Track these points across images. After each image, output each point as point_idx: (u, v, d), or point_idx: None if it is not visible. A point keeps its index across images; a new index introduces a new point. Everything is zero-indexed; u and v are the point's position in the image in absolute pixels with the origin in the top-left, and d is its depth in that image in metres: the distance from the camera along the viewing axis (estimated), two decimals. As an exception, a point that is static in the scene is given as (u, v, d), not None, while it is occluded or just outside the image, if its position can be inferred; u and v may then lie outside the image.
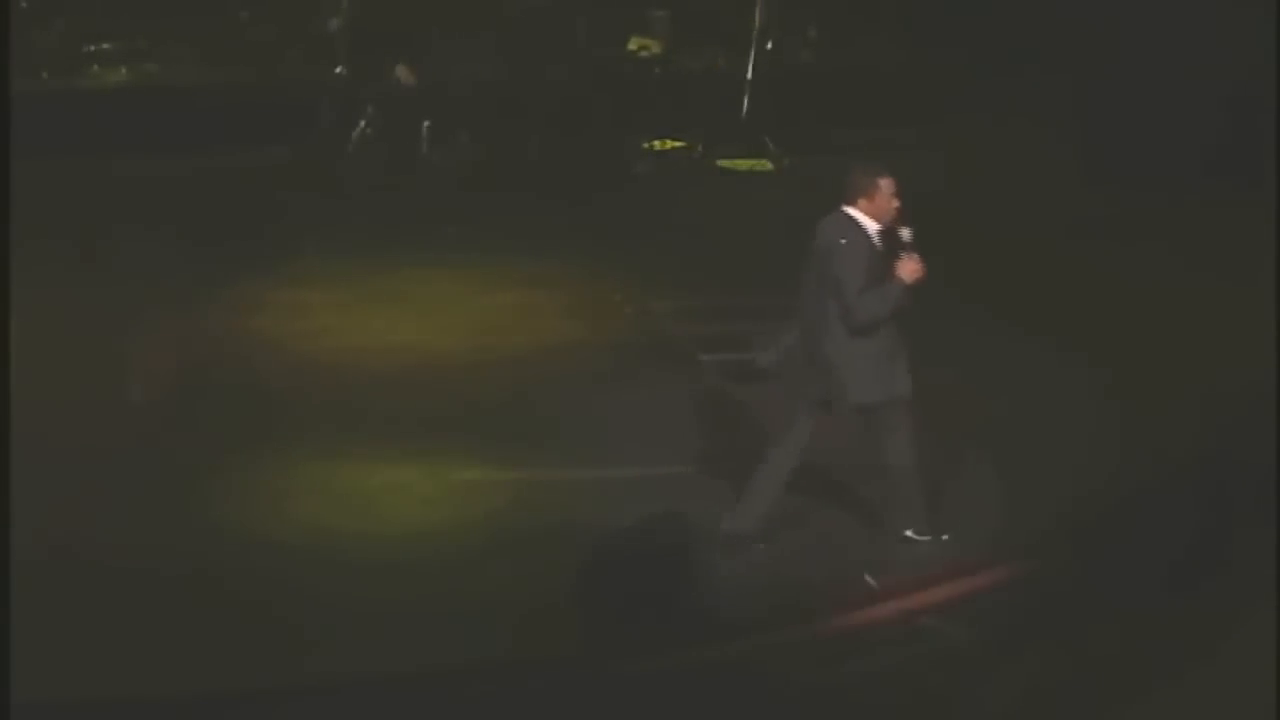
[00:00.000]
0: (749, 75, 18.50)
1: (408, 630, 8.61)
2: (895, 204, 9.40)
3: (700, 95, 18.70)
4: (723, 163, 18.07)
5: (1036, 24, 16.57)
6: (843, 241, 9.34)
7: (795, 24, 19.45)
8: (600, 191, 16.88)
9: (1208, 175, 14.88)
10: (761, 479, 9.62)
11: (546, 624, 8.62)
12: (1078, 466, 10.39)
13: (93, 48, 19.02)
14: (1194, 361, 11.44)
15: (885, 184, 9.40)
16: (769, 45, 18.75)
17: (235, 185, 16.57)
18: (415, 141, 17.44)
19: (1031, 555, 9.28)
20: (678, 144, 18.35)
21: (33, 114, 13.59)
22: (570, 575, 8.78)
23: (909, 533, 9.65)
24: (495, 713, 7.89)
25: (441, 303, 13.68)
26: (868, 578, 9.31)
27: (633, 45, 18.99)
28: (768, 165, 18.02)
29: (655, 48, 19.02)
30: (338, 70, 17.54)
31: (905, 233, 9.37)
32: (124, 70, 18.92)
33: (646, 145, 18.27)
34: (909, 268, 9.31)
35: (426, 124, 17.42)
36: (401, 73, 17.41)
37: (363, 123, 17.17)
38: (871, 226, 9.38)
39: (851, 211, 9.41)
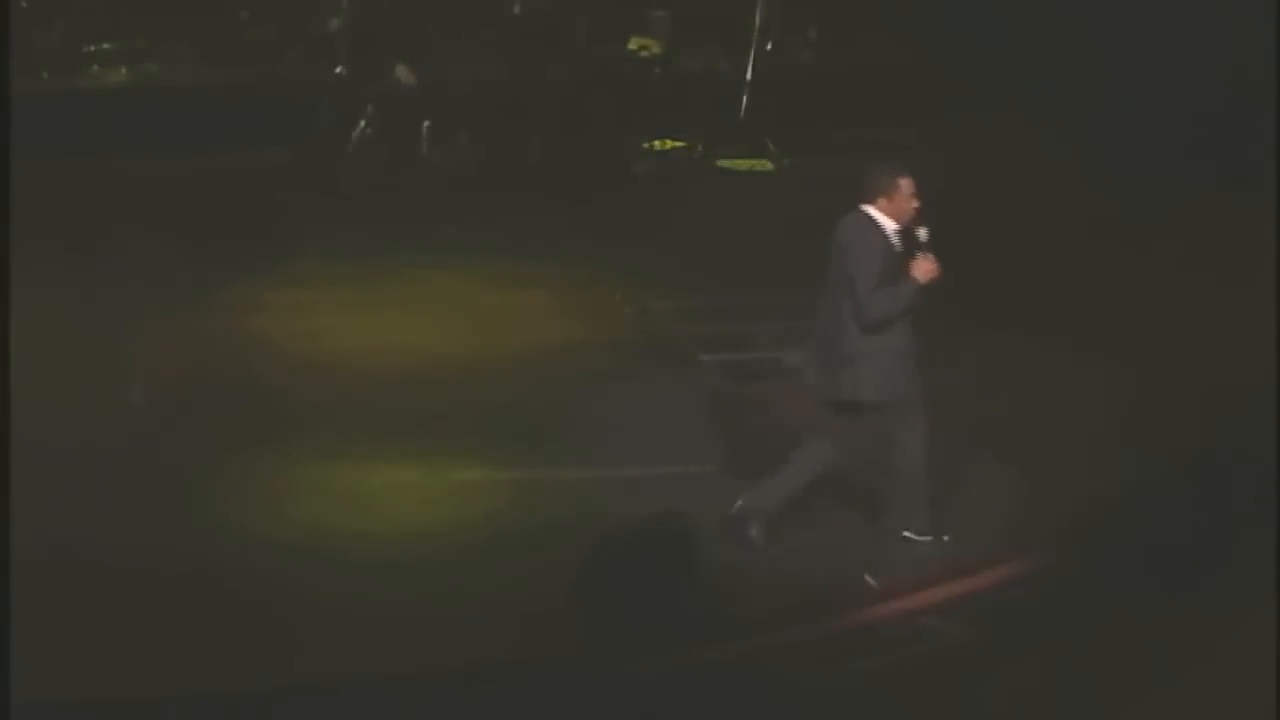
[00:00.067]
0: (749, 75, 18.50)
1: (408, 630, 8.60)
2: (914, 204, 9.42)
3: (700, 95, 18.70)
4: (723, 163, 18.07)
5: (1037, 24, 16.59)
6: (857, 240, 9.36)
7: (795, 24, 19.45)
8: (600, 191, 16.87)
9: (1208, 175, 14.89)
10: (792, 465, 9.64)
11: (546, 624, 8.62)
12: (1077, 466, 10.39)
13: (93, 48, 19.02)
14: (1194, 362, 11.45)
15: (905, 184, 9.42)
16: (769, 45, 18.75)
17: (235, 185, 16.56)
18: (415, 141, 17.43)
19: (1031, 555, 9.28)
20: (678, 144, 18.35)
21: (33, 114, 13.59)
22: (570, 575, 8.77)
23: (908, 533, 9.66)
24: (495, 713, 7.88)
25: (441, 303, 13.67)
26: (868, 578, 9.31)
27: (633, 45, 18.99)
28: (768, 165, 18.02)
29: (655, 48, 19.02)
30: (338, 70, 17.54)
31: (922, 233, 9.39)
32: (124, 70, 18.92)
33: (646, 145, 18.27)
34: (924, 267, 9.33)
35: (426, 124, 17.41)
36: (401, 73, 17.40)
37: (363, 123, 17.16)
38: (889, 226, 9.40)
39: (870, 210, 9.43)
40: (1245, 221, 13.32)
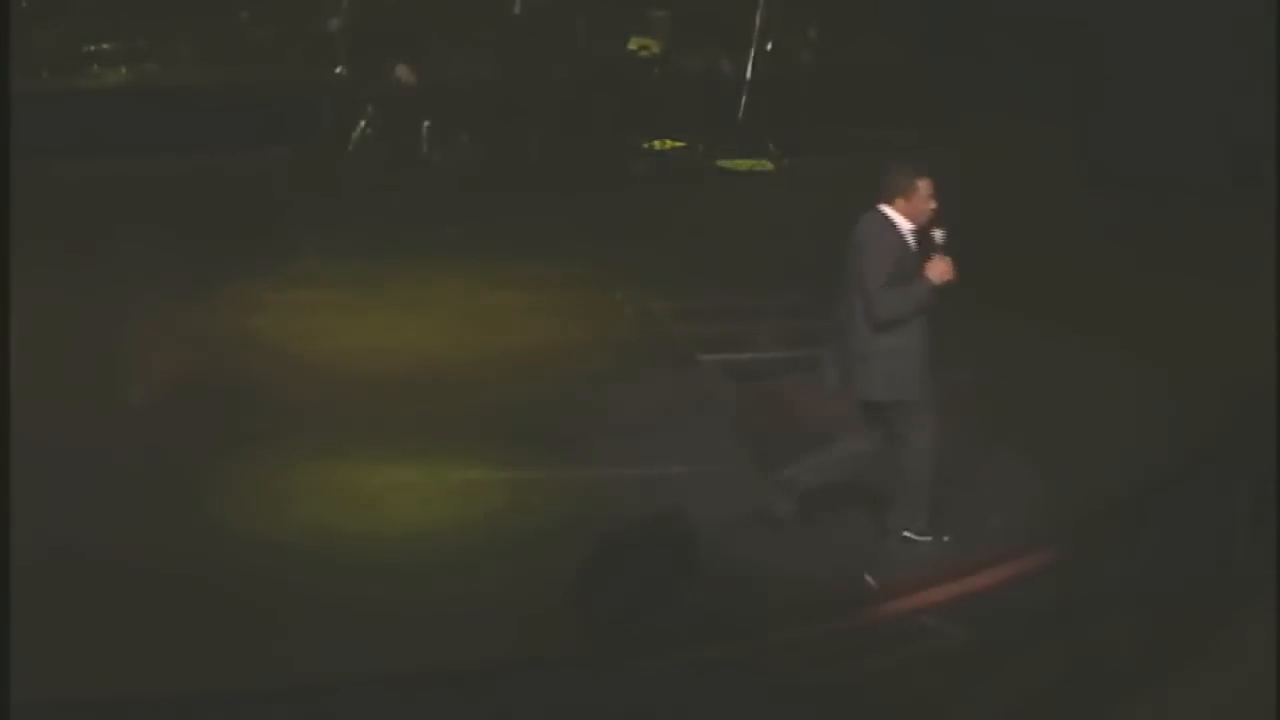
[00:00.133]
0: (749, 75, 18.50)
1: (408, 630, 8.60)
2: (932, 205, 9.42)
3: (700, 95, 18.68)
4: (723, 163, 18.06)
5: (1037, 24, 16.58)
6: (871, 238, 9.37)
7: (795, 24, 19.44)
8: (600, 191, 16.88)
9: (1208, 176, 14.89)
10: (837, 448, 9.67)
11: (546, 624, 8.62)
12: (1077, 467, 10.39)
13: (93, 48, 19.02)
14: (1194, 362, 11.45)
15: (923, 185, 9.42)
16: (769, 45, 18.74)
17: (235, 185, 16.56)
18: (415, 141, 17.43)
19: (1032, 555, 9.28)
20: (678, 144, 18.33)
21: (33, 114, 13.60)
22: (570, 575, 8.78)
23: (908, 533, 9.65)
24: (495, 713, 7.88)
25: (441, 303, 13.67)
26: (868, 578, 9.31)
27: (633, 45, 18.98)
28: (768, 165, 18.01)
29: (655, 48, 19.00)
30: (338, 70, 17.53)
31: (938, 234, 9.39)
32: (124, 70, 18.92)
33: (646, 145, 18.26)
34: (938, 269, 9.33)
35: (426, 124, 17.42)
36: (401, 73, 17.40)
37: (363, 123, 17.16)
38: (905, 226, 9.40)
39: (886, 210, 9.44)
40: (1245, 221, 13.32)
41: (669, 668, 8.09)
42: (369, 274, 14.14)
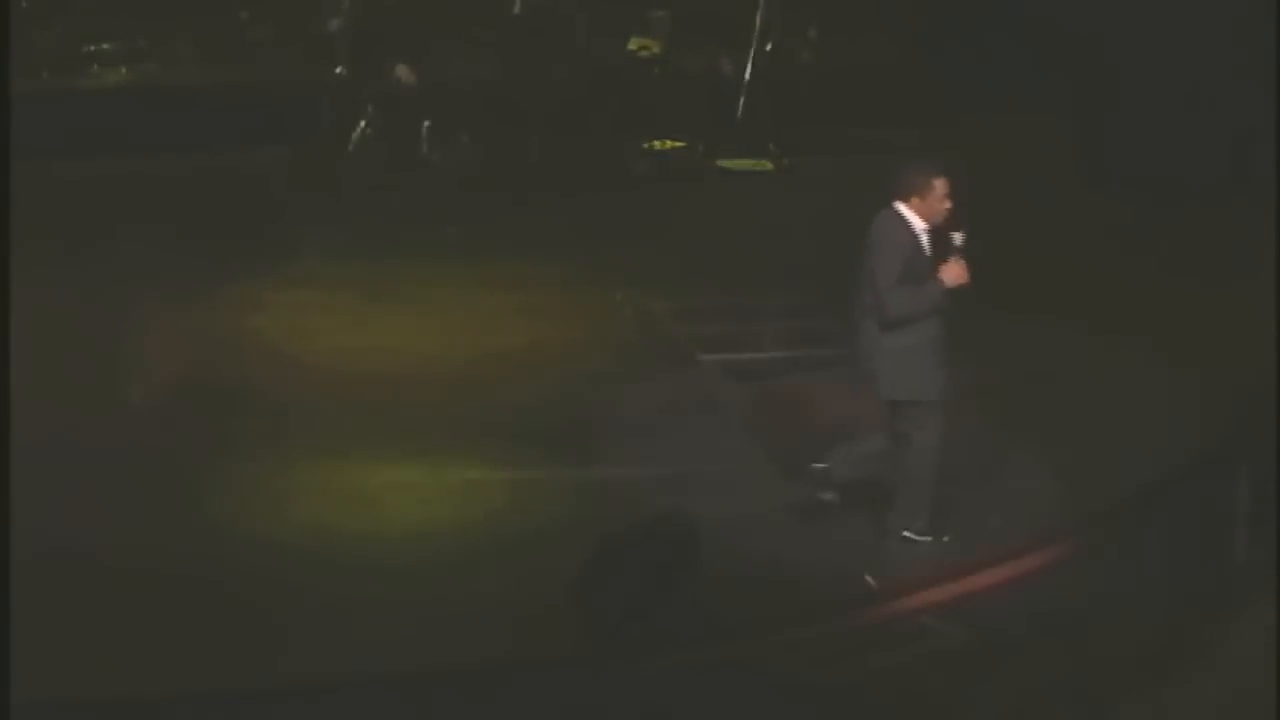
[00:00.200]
0: (749, 75, 18.49)
1: (408, 630, 8.60)
2: (947, 205, 9.41)
3: (700, 95, 18.68)
4: (723, 163, 18.06)
5: (1037, 24, 16.59)
6: (884, 236, 9.37)
7: (795, 24, 19.44)
8: (600, 191, 16.88)
9: (1209, 175, 14.89)
10: (868, 440, 9.69)
11: (547, 624, 8.62)
12: (1077, 467, 10.39)
13: (93, 48, 19.04)
14: (1194, 361, 11.45)
15: (939, 184, 9.41)
16: (769, 45, 18.74)
17: (235, 185, 16.56)
18: (415, 141, 17.43)
19: (1031, 555, 9.27)
20: (678, 144, 18.33)
21: (33, 114, 13.60)
22: (571, 575, 8.78)
23: (908, 533, 9.65)
24: (495, 713, 7.88)
25: (441, 302, 13.67)
26: (868, 578, 9.31)
27: (633, 45, 18.97)
28: (768, 165, 18.01)
29: (655, 48, 19.00)
30: (338, 70, 17.53)
31: (957, 237, 9.37)
32: (124, 70, 18.94)
33: (646, 145, 18.26)
34: (952, 271, 9.32)
35: (426, 124, 17.41)
36: (401, 73, 17.39)
37: (363, 123, 17.16)
38: (919, 225, 9.39)
39: (901, 208, 9.43)
40: (1245, 222, 13.33)
41: (669, 668, 8.08)
42: (369, 274, 14.14)
